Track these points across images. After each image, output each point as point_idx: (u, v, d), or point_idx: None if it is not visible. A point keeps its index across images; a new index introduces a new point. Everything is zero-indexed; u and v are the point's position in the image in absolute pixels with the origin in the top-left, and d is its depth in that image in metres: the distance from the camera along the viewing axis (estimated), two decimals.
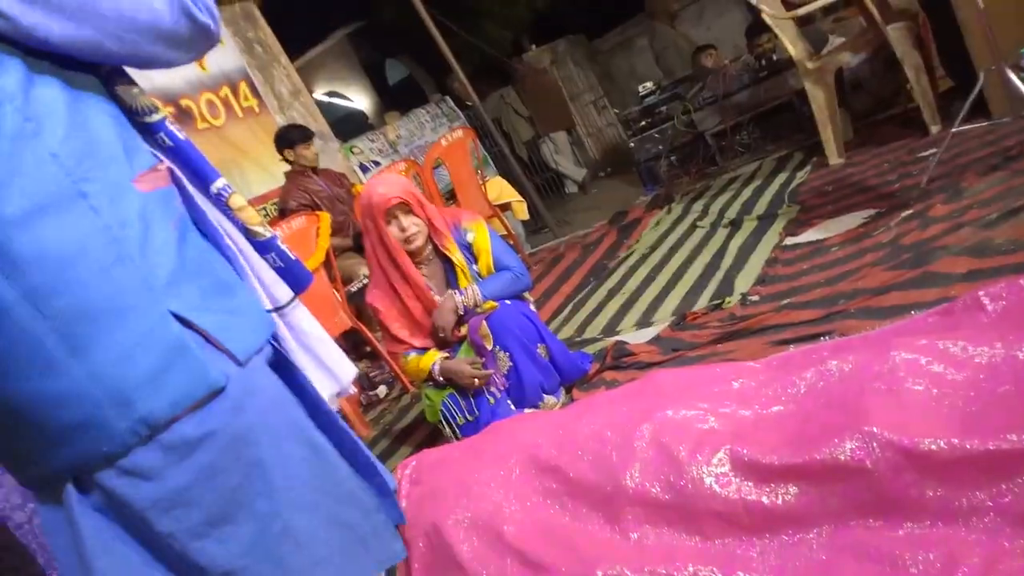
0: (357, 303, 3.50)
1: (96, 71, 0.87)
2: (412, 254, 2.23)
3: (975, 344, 1.33)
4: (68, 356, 0.77)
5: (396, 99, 10.34)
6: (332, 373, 1.11)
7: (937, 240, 2.11)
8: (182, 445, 0.82)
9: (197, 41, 0.89)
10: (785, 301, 2.23)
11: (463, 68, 5.27)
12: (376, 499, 1.02)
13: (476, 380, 2.15)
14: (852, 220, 2.71)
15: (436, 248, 2.27)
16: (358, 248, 3.99)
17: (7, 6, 0.76)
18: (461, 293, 2.21)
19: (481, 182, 4.58)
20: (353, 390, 1.18)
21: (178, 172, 0.94)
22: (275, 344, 0.97)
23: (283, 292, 1.05)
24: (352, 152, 5.71)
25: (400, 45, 11.01)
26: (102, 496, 0.83)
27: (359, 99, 11.95)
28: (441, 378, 2.20)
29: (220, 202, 0.98)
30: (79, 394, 0.78)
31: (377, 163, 5.73)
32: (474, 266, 2.26)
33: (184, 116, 4.49)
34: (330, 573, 0.91)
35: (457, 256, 2.24)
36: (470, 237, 2.26)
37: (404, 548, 1.05)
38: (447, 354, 2.23)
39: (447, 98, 6.81)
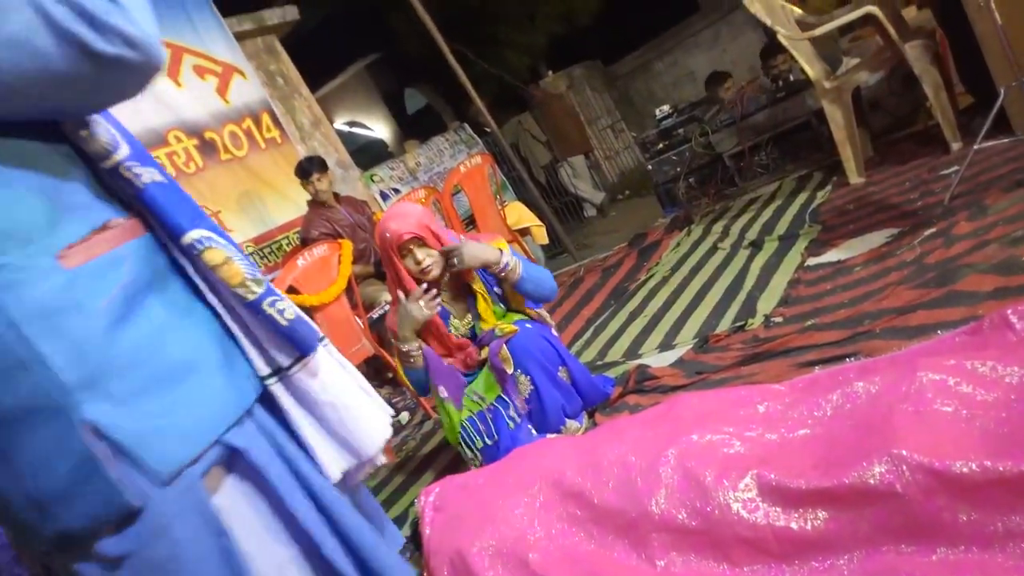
0: (379, 330, 3.52)
1: (45, 123, 0.77)
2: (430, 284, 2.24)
3: (1004, 364, 1.31)
4: None
5: (415, 127, 10.48)
6: (349, 443, 0.97)
7: (962, 258, 2.09)
8: (104, 558, 0.77)
9: (114, 78, 0.73)
10: (809, 322, 2.21)
11: (481, 95, 5.33)
12: None
13: (422, 306, 2.11)
14: (875, 239, 2.69)
15: (456, 275, 2.27)
16: (379, 275, 4.03)
17: None
18: (514, 254, 2.17)
19: (500, 207, 4.61)
20: (382, 460, 1.02)
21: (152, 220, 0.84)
22: (229, 445, 0.84)
23: (286, 354, 0.92)
24: (373, 180, 5.78)
25: (418, 74, 11.18)
26: None
27: (379, 128, 12.12)
28: (409, 347, 2.15)
29: (194, 256, 0.86)
30: (6, 500, 0.76)
31: (397, 190, 5.79)
32: (495, 288, 2.27)
33: (208, 148, 4.58)
34: None
35: (477, 283, 2.25)
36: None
37: None
38: (491, 415, 2.16)
39: (465, 125, 6.89)
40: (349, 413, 0.97)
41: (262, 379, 0.90)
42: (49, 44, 0.66)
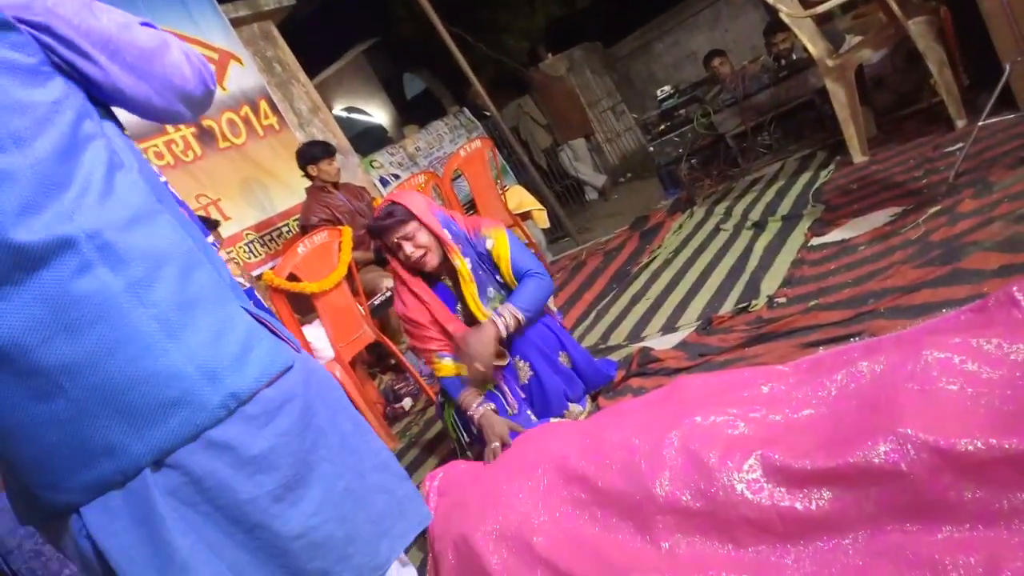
0: (380, 316, 3.52)
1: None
2: (429, 270, 2.20)
3: (1010, 341, 1.30)
4: (166, 339, 0.88)
5: (414, 112, 10.42)
6: None
7: (967, 236, 2.07)
8: (263, 414, 0.92)
9: (205, 103, 1.05)
10: (813, 302, 2.20)
11: (480, 79, 5.29)
12: (402, 469, 1.13)
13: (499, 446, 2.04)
14: (879, 218, 2.67)
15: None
16: (380, 261, 4.01)
17: (102, 59, 0.91)
18: (498, 315, 2.08)
19: (501, 191, 4.59)
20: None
21: None
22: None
23: None
24: (372, 166, 5.75)
25: (417, 59, 11.10)
26: (180, 476, 0.89)
27: (378, 113, 12.05)
28: (474, 421, 2.10)
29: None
30: (177, 373, 0.88)
31: (397, 176, 5.77)
32: (497, 276, 2.21)
33: (206, 136, 4.55)
34: (383, 529, 1.03)
35: (460, 263, 2.16)
36: (489, 244, 2.20)
37: (431, 512, 1.15)
38: (492, 405, 2.12)
39: (465, 109, 6.84)
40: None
41: None
42: (189, 74, 0.99)
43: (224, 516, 0.91)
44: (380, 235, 2.19)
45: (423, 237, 2.15)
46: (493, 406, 2.13)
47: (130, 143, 0.98)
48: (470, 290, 2.17)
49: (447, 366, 2.19)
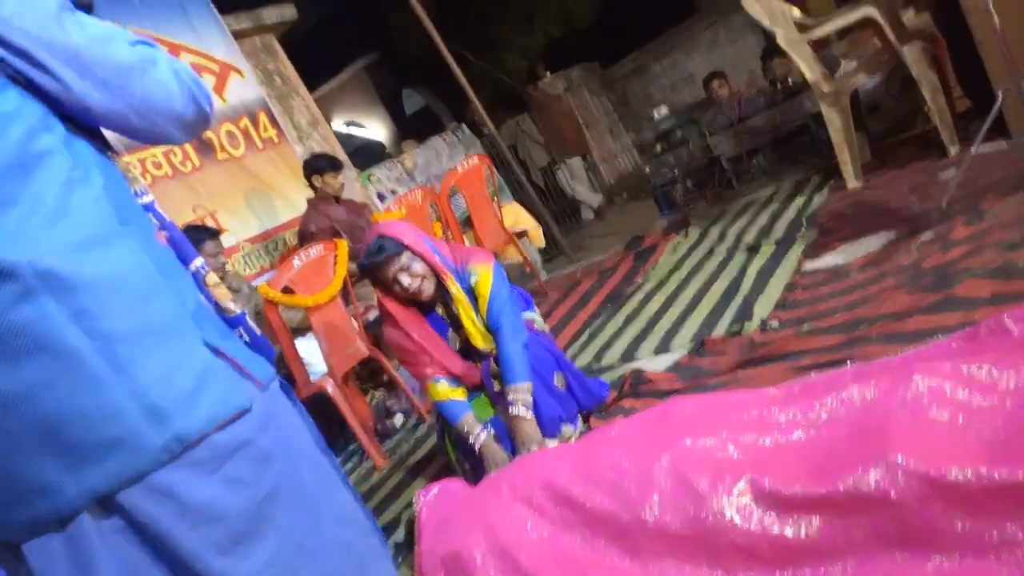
0: (374, 331, 3.51)
1: (104, 149, 0.97)
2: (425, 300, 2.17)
3: (1001, 369, 1.30)
4: (111, 373, 0.82)
5: (413, 128, 10.46)
6: None
7: (959, 263, 2.08)
8: (211, 459, 0.87)
9: (197, 124, 1.01)
10: (805, 327, 2.20)
11: (479, 96, 5.32)
12: (369, 522, 1.08)
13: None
14: (872, 243, 2.68)
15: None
16: None
17: (64, 73, 0.87)
18: (514, 404, 2.06)
19: (497, 209, 4.60)
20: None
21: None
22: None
23: None
24: (370, 181, 5.76)
25: (417, 75, 11.17)
26: (123, 519, 0.84)
27: (377, 129, 12.10)
28: (476, 449, 2.10)
29: (198, 280, 1.03)
30: (119, 410, 0.82)
31: (395, 191, 5.78)
32: (476, 313, 2.18)
33: (204, 147, 4.56)
34: None
35: (455, 288, 2.14)
36: (473, 280, 2.16)
37: (395, 570, 1.10)
38: (493, 431, 2.12)
39: (463, 126, 6.87)
40: None
41: None
42: (177, 91, 0.95)
43: (167, 566, 0.86)
44: (374, 272, 2.14)
45: (418, 267, 2.12)
46: (495, 432, 2.12)
47: (105, 161, 0.94)
48: (468, 312, 2.15)
49: (442, 390, 2.17)
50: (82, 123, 0.92)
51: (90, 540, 0.83)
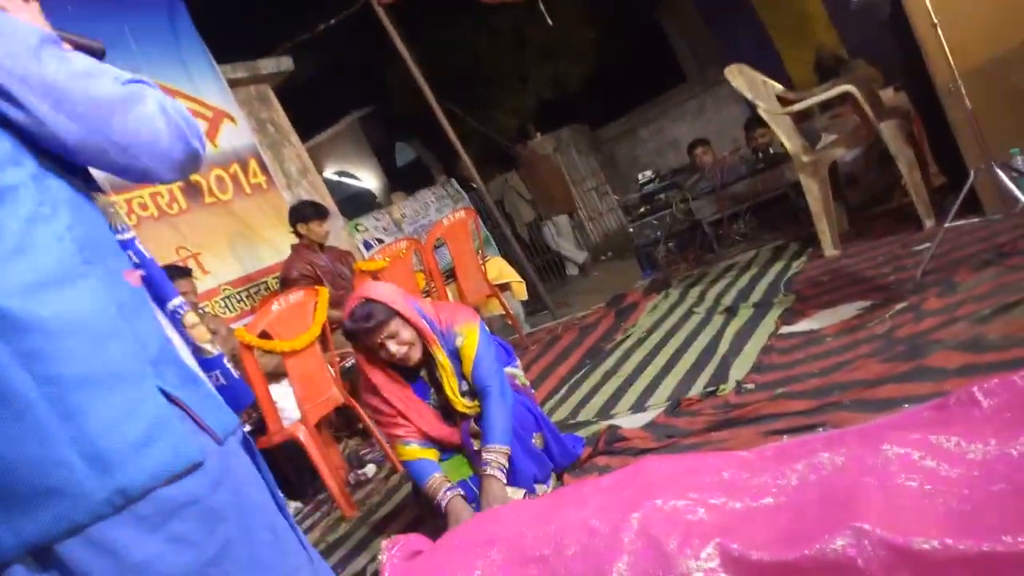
0: (351, 378, 3.48)
1: (83, 186, 0.95)
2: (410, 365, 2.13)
3: (969, 440, 1.31)
4: (56, 421, 0.79)
5: (404, 180, 10.60)
6: None
7: (931, 334, 2.11)
8: (155, 515, 0.82)
9: (186, 164, 0.98)
10: (780, 390, 2.21)
11: (469, 152, 5.42)
12: None
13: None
14: (847, 311, 2.71)
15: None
16: None
17: (38, 107, 0.85)
18: (487, 464, 2.01)
19: (481, 262, 4.63)
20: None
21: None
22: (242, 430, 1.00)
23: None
24: (357, 229, 5.80)
25: (409, 129, 11.37)
26: (60, 572, 0.80)
27: (368, 179, 12.23)
28: (440, 509, 2.06)
29: (176, 319, 1.02)
30: (61, 459, 0.79)
31: (381, 240, 5.81)
32: (459, 378, 2.16)
33: (192, 190, 4.58)
34: None
35: (440, 355, 2.11)
36: (459, 342, 2.14)
37: None
38: (460, 491, 2.08)
39: (453, 180, 6.97)
40: None
41: None
42: (164, 128, 0.92)
43: None
44: (360, 337, 2.08)
45: (406, 333, 2.06)
46: (461, 492, 2.08)
47: (78, 198, 0.92)
48: (451, 383, 2.12)
49: (412, 451, 2.14)
50: (61, 159, 0.90)
51: None
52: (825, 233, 3.69)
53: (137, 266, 0.99)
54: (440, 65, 8.96)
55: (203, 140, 0.99)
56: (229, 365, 1.07)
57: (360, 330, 2.06)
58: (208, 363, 1.04)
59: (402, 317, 2.07)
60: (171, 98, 0.97)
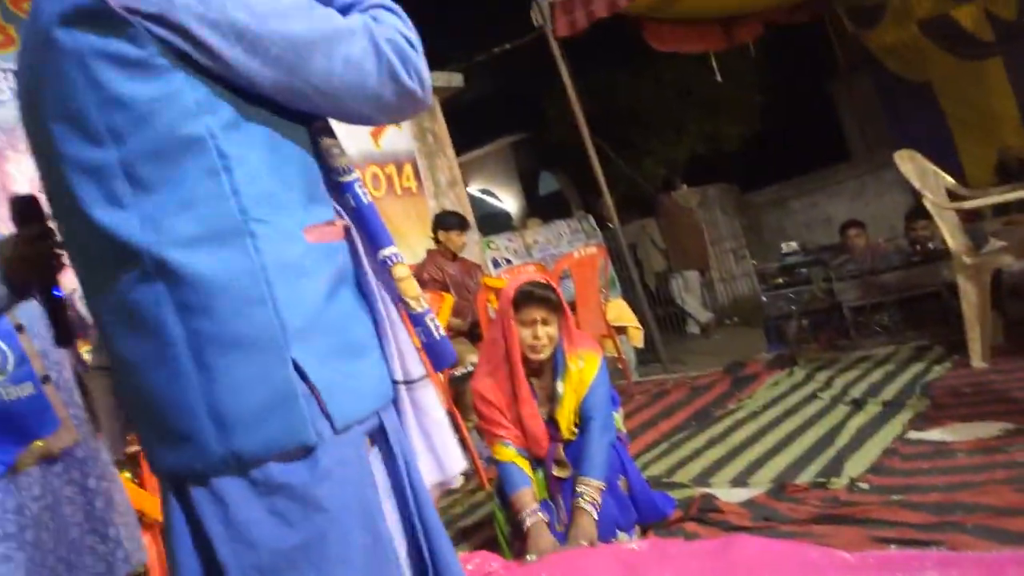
0: (456, 388, 3.57)
1: (305, 122, 0.93)
2: (531, 360, 2.21)
3: None
4: (195, 372, 0.83)
5: (542, 207, 10.78)
6: (441, 461, 1.07)
7: None
8: (264, 484, 0.84)
9: (402, 104, 0.93)
10: (896, 497, 2.08)
11: (612, 192, 5.44)
12: None
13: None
14: (986, 429, 2.51)
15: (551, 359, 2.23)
16: (471, 336, 4.11)
17: (231, 52, 0.83)
18: (578, 496, 2.04)
19: (603, 301, 4.63)
20: (457, 483, 1.15)
21: (354, 231, 0.99)
22: (381, 420, 0.96)
23: (417, 368, 1.03)
24: (489, 247, 5.97)
25: (557, 159, 11.56)
26: (188, 507, 0.87)
27: (508, 201, 12.54)
28: (525, 526, 2.08)
29: (385, 268, 1.00)
30: (190, 407, 0.84)
31: (509, 261, 5.94)
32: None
33: None
34: None
35: (576, 370, 2.19)
36: (580, 364, 2.22)
37: None
38: (546, 516, 2.10)
39: (590, 217, 7.02)
40: (444, 433, 1.07)
41: (394, 382, 1.02)
42: (373, 68, 0.88)
43: (209, 564, 0.86)
44: (529, 300, 2.18)
45: (554, 331, 2.20)
46: (546, 518, 2.10)
47: (283, 143, 0.90)
48: (571, 401, 2.18)
49: (508, 452, 2.19)
50: (272, 101, 0.88)
51: (170, 511, 0.89)
52: (976, 342, 3.43)
53: (353, 210, 0.98)
54: (600, 102, 9.08)
55: (423, 77, 0.92)
56: (434, 323, 1.02)
57: (538, 295, 2.18)
58: (414, 318, 1.01)
59: (567, 317, 2.21)
60: (394, 29, 0.91)
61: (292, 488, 0.84)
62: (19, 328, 1.43)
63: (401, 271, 0.99)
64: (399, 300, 1.00)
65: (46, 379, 1.39)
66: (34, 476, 1.29)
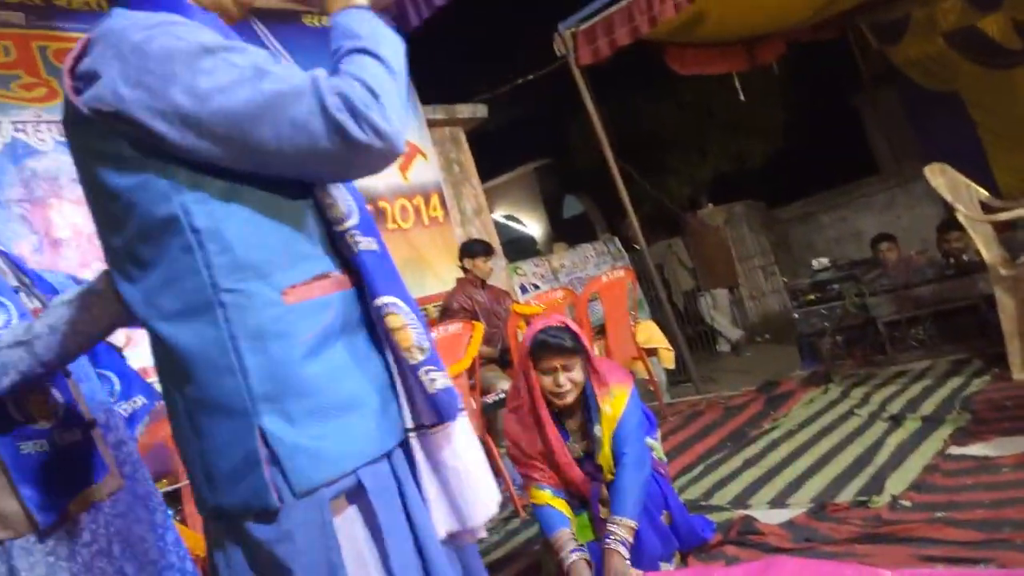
0: (489, 415, 3.58)
1: (291, 180, 0.94)
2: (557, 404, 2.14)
3: None
4: (191, 433, 0.94)
5: (567, 231, 10.82)
6: (460, 510, 1.03)
7: None
8: (245, 536, 0.92)
9: (362, 159, 0.89)
10: (940, 514, 2.04)
11: (637, 213, 5.45)
12: None
13: None
14: None
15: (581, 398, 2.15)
16: (502, 362, 4.13)
17: (177, 137, 0.86)
18: (608, 536, 1.97)
19: (632, 323, 4.62)
20: (481, 533, 1.09)
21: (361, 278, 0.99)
22: (359, 479, 0.94)
23: (427, 416, 1.01)
24: (516, 272, 6.00)
25: (581, 183, 11.62)
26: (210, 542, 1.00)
27: (533, 226, 12.60)
28: (563, 566, 2.02)
29: (378, 317, 0.99)
30: (192, 461, 0.95)
31: (537, 286, 5.97)
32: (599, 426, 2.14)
33: (378, 216, 4.97)
34: None
35: (611, 411, 2.11)
36: (612, 400, 2.14)
37: None
38: (586, 555, 2.02)
39: (616, 239, 7.04)
40: (469, 483, 1.03)
41: (406, 430, 1.01)
42: (320, 127, 0.85)
43: None
44: (544, 350, 2.09)
45: (579, 374, 2.10)
46: (587, 557, 2.02)
47: (261, 208, 0.91)
48: (608, 444, 2.10)
49: (545, 496, 2.14)
50: (250, 178, 0.91)
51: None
52: (1016, 355, 3.36)
53: (354, 257, 0.97)
54: (623, 126, 9.12)
55: (381, 130, 0.87)
56: (426, 378, 0.99)
57: (553, 345, 2.07)
58: (410, 369, 0.98)
59: (588, 360, 2.11)
60: (352, 79, 0.87)
61: (262, 545, 0.90)
62: (67, 374, 1.47)
63: (394, 321, 0.98)
64: (394, 351, 0.99)
65: (92, 423, 1.43)
66: (83, 523, 1.32)
